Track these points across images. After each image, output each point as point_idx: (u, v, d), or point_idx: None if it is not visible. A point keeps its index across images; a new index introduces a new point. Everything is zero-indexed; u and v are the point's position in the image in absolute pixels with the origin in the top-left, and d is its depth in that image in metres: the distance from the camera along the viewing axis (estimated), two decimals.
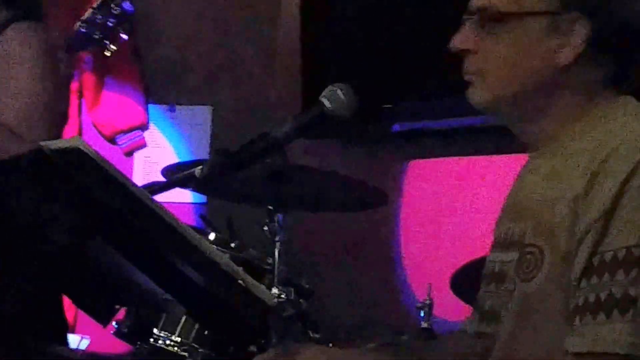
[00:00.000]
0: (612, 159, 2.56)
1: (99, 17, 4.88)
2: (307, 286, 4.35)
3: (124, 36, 5.01)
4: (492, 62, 2.77)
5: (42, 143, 2.77)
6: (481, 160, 5.56)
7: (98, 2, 4.95)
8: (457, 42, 2.78)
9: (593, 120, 2.72)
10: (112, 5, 4.93)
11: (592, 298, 2.52)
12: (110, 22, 4.89)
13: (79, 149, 2.69)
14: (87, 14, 4.90)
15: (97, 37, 4.86)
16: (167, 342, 2.89)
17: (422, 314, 4.73)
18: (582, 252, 2.54)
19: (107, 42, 4.92)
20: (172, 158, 5.95)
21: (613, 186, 2.52)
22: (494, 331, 2.78)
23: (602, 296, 2.50)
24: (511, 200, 2.90)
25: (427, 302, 4.73)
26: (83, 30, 4.88)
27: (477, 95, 2.79)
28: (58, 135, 4.13)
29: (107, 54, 5.10)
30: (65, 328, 3.91)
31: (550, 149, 2.77)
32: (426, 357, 2.97)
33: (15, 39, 4.05)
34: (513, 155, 4.71)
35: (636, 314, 2.48)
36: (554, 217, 2.63)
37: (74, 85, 5.83)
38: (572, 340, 2.54)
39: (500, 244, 2.84)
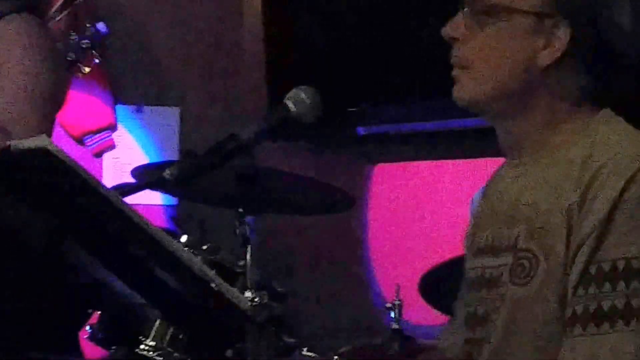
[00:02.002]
0: (605, 172, 2.58)
1: (74, 37, 4.86)
2: (280, 289, 4.34)
3: (97, 60, 4.99)
4: (478, 52, 2.78)
5: (10, 142, 2.70)
6: (447, 164, 5.58)
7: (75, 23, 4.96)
8: (448, 29, 2.78)
9: (577, 131, 2.74)
10: (87, 26, 4.93)
11: (592, 308, 2.54)
12: (83, 43, 4.88)
13: (47, 149, 2.62)
14: (73, 36, 4.90)
15: (70, 58, 4.85)
16: (142, 346, 2.79)
17: (392, 315, 4.75)
18: (579, 260, 2.56)
19: (81, 65, 4.91)
20: (141, 159, 5.95)
21: (608, 198, 2.55)
22: (483, 336, 2.74)
23: (605, 306, 2.52)
24: (492, 204, 2.89)
25: (397, 302, 4.75)
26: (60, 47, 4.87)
27: (462, 91, 2.79)
28: (50, 134, 4.04)
29: (80, 75, 5.09)
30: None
31: (536, 156, 2.77)
32: None
33: (9, 32, 4.02)
34: (478, 159, 4.72)
35: (638, 325, 2.50)
36: (548, 225, 2.64)
37: None
38: (572, 348, 2.56)
39: (487, 249, 2.81)
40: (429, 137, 5.52)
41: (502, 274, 2.71)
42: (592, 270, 2.51)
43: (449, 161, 5.50)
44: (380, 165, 5.85)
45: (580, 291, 2.53)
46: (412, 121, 5.51)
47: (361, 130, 5.59)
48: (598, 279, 2.51)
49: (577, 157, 2.63)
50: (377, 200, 5.90)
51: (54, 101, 4.08)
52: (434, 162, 5.64)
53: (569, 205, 2.57)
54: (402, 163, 5.79)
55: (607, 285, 2.50)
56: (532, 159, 2.76)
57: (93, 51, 5.03)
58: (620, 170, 2.55)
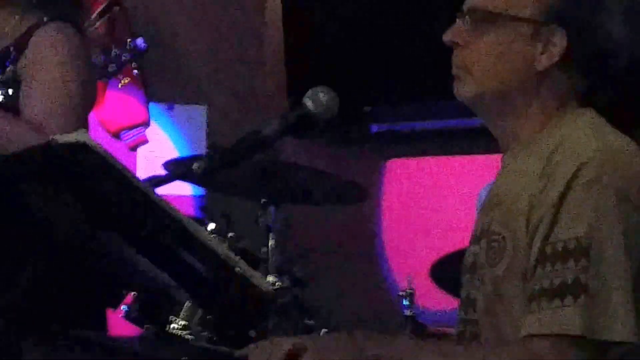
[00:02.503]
0: (562, 161, 2.64)
1: (115, 51, 4.90)
2: (300, 275, 4.38)
3: (135, 71, 5.04)
4: (477, 57, 2.80)
5: (52, 137, 2.76)
6: (456, 159, 5.60)
7: (101, 9, 4.96)
8: (450, 35, 2.82)
9: (554, 127, 2.79)
10: (127, 41, 4.95)
11: (546, 284, 2.57)
12: (123, 56, 4.91)
13: (85, 143, 2.68)
14: (116, 51, 4.92)
15: (111, 70, 4.88)
16: (173, 325, 2.86)
17: (404, 303, 4.72)
18: (536, 241, 2.61)
19: (120, 76, 4.95)
20: (172, 153, 5.97)
21: (560, 184, 2.59)
22: (474, 317, 2.81)
23: (556, 282, 2.56)
24: (490, 194, 2.91)
25: (409, 291, 4.71)
26: (102, 59, 4.89)
27: (462, 88, 2.82)
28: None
29: (119, 86, 5.12)
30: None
31: (517, 150, 2.84)
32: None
33: (43, 45, 3.99)
34: (485, 155, 4.74)
35: (587, 299, 2.53)
36: (514, 211, 2.70)
37: None
38: (529, 322, 2.58)
39: (474, 237, 2.88)
40: (438, 135, 5.57)
41: (481, 257, 2.79)
42: (548, 250, 2.56)
43: (458, 157, 5.54)
44: (392, 160, 5.88)
45: (538, 270, 2.57)
46: (422, 119, 5.56)
47: (374, 128, 5.65)
48: (552, 258, 2.56)
49: (546, 151, 2.68)
50: (390, 193, 5.92)
51: (85, 103, 4.07)
52: (444, 158, 5.67)
53: (532, 193, 2.63)
54: (413, 159, 5.83)
55: (559, 264, 2.54)
56: (514, 154, 2.83)
57: (132, 64, 5.09)
58: (573, 160, 2.60)
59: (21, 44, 3.97)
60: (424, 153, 5.77)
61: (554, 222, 2.58)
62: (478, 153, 5.07)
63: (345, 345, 2.62)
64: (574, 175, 2.58)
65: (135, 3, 6.02)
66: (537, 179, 2.65)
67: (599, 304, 2.52)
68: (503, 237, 2.71)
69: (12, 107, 3.89)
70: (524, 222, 2.65)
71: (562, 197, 2.57)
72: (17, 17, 4.04)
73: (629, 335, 2.52)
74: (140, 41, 5.06)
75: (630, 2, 2.81)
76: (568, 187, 2.57)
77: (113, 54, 4.86)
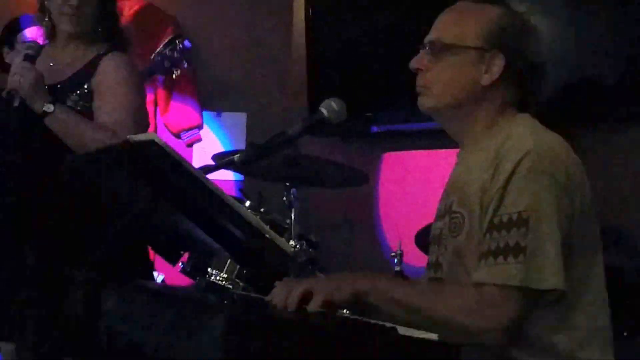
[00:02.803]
0: (507, 154, 2.64)
1: (168, 51, 4.90)
2: (314, 240, 4.38)
3: (185, 64, 5.04)
4: (436, 78, 2.82)
5: (129, 137, 2.77)
6: (434, 152, 5.55)
7: (167, 41, 4.95)
8: (414, 62, 2.86)
9: (500, 129, 2.78)
10: (177, 42, 4.94)
11: (493, 246, 2.59)
12: (176, 54, 4.91)
13: (154, 140, 2.68)
14: (160, 48, 4.91)
15: (167, 65, 4.89)
16: (217, 277, 2.88)
17: (395, 261, 4.81)
18: (487, 215, 2.63)
19: (174, 69, 4.96)
20: (219, 148, 5.95)
21: (506, 171, 2.61)
22: (439, 276, 2.84)
23: (501, 245, 2.57)
24: (448, 183, 2.94)
25: (398, 252, 4.82)
26: (158, 59, 4.89)
27: (424, 103, 2.86)
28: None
29: (174, 76, 5.13)
30: (150, 267, 3.94)
31: (469, 147, 2.86)
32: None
33: (111, 69, 3.94)
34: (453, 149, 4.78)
35: (525, 258, 2.55)
36: (471, 194, 2.71)
37: (150, 97, 5.90)
38: (478, 274, 2.60)
39: (439, 215, 2.90)
40: (422, 134, 5.49)
41: (444, 230, 2.81)
42: (496, 221, 2.58)
43: (436, 151, 5.47)
44: (387, 153, 5.85)
45: (487, 236, 2.59)
46: (410, 122, 5.50)
47: (374, 129, 5.61)
48: (499, 227, 2.58)
49: (494, 147, 2.69)
50: (385, 179, 5.88)
51: (142, 112, 4.03)
52: (426, 152, 5.63)
53: (484, 179, 2.65)
54: (403, 152, 5.80)
55: (504, 231, 2.56)
56: (468, 149, 2.85)
57: (182, 58, 5.08)
58: (515, 153, 2.61)
59: (90, 68, 3.93)
60: (411, 148, 5.74)
61: (501, 200, 2.59)
62: (452, 148, 5.08)
63: (345, 281, 2.62)
64: (517, 164, 2.59)
65: (189, 35, 5.98)
66: (487, 168, 2.66)
67: (534, 262, 2.54)
68: (462, 215, 2.73)
69: (88, 115, 3.85)
70: (477, 202, 2.66)
71: (508, 181, 2.59)
72: (82, 47, 3.99)
73: (557, 284, 2.54)
74: (187, 42, 5.06)
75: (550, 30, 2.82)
76: (512, 173, 2.58)
77: (168, 53, 4.87)
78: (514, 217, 2.57)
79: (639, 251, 4.49)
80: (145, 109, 4.11)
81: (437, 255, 2.87)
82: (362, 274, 2.78)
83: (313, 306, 2.51)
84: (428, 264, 3.02)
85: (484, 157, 2.71)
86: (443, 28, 2.83)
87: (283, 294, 2.55)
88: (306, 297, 2.52)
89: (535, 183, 2.59)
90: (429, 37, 2.83)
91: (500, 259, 2.55)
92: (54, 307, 2.67)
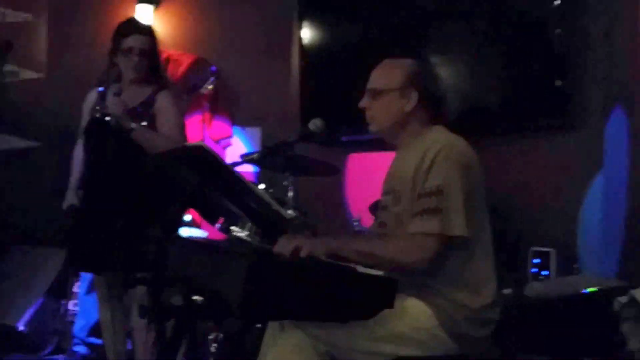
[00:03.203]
0: (429, 148, 2.71)
1: (199, 74, 4.89)
2: (304, 210, 4.39)
3: (212, 81, 5.00)
4: (375, 113, 2.90)
5: (186, 144, 2.83)
6: (382, 154, 5.36)
7: (196, 68, 4.94)
8: (361, 104, 2.93)
9: (423, 136, 2.83)
10: (206, 70, 4.93)
11: (419, 208, 2.66)
12: (205, 76, 4.90)
13: (202, 145, 2.79)
14: (196, 73, 4.91)
15: (199, 85, 4.87)
16: (242, 234, 2.93)
17: (355, 224, 4.84)
18: (417, 189, 2.70)
19: (204, 86, 4.94)
20: (243, 150, 5.85)
21: (429, 159, 2.69)
22: (385, 231, 2.88)
23: (426, 207, 2.64)
24: (389, 172, 2.99)
25: (358, 218, 4.86)
26: (193, 82, 4.89)
27: (371, 129, 2.95)
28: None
29: (204, 92, 5.07)
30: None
31: (402, 149, 2.90)
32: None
33: (164, 100, 4.00)
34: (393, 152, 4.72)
35: (441, 215, 2.62)
36: (406, 177, 2.76)
37: (199, 117, 5.86)
38: (411, 227, 2.66)
39: (385, 192, 2.94)
40: (373, 141, 5.22)
41: (388, 203, 2.86)
42: (422, 192, 2.66)
43: (384, 152, 5.21)
44: (352, 154, 5.80)
45: (415, 202, 2.67)
46: (365, 134, 5.38)
47: (343, 138, 5.57)
48: (423, 196, 2.65)
49: (421, 147, 2.74)
50: (350, 170, 5.82)
51: (183, 126, 4.07)
52: (377, 153, 5.28)
53: (415, 168, 2.71)
54: (362, 153, 5.73)
55: (427, 198, 2.64)
56: (403, 150, 2.89)
57: (210, 78, 5.05)
58: (435, 149, 2.68)
59: (151, 100, 3.99)
60: (366, 151, 5.66)
61: (426, 178, 2.66)
62: (392, 151, 5.02)
63: (323, 241, 2.67)
64: (436, 154, 2.67)
65: (224, 76, 6.00)
66: (417, 159, 2.71)
67: (446, 218, 2.62)
68: (399, 191, 2.79)
69: (153, 129, 3.93)
70: (411, 180, 2.72)
71: (430, 166, 2.66)
72: (140, 87, 4.04)
73: (463, 232, 2.62)
74: (213, 67, 5.01)
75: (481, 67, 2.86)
76: (433, 161, 2.67)
77: (199, 75, 4.84)
78: (434, 189, 2.64)
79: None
80: (184, 124, 4.15)
81: (383, 219, 2.90)
82: (335, 236, 2.85)
83: (302, 254, 2.56)
84: (375, 223, 3.06)
85: (414, 154, 2.75)
86: (375, 80, 2.89)
87: (283, 246, 2.58)
88: (297, 249, 2.57)
89: (447, 166, 2.66)
90: (368, 86, 2.90)
91: (425, 216, 2.62)
92: (137, 254, 2.71)
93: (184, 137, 4.01)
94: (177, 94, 4.13)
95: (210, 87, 5.25)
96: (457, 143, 2.75)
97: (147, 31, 4.06)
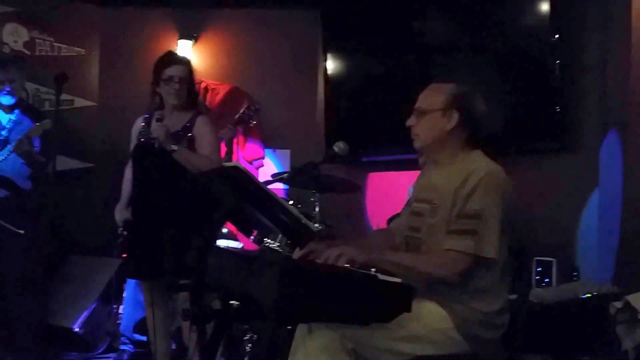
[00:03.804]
0: (472, 175, 2.64)
1: (246, 110, 4.91)
2: (329, 223, 4.42)
3: (256, 117, 5.03)
4: (420, 131, 2.82)
5: (223, 164, 2.81)
6: (400, 173, 5.51)
7: (246, 106, 4.95)
8: (408, 122, 2.83)
9: (463, 158, 2.77)
10: (251, 106, 4.95)
11: (456, 228, 2.61)
12: (251, 112, 4.91)
13: (237, 166, 2.78)
14: (243, 109, 4.91)
15: (246, 119, 4.89)
16: (274, 245, 2.91)
17: None
18: (456, 208, 2.63)
19: (250, 121, 4.96)
20: (274, 170, 5.87)
21: (471, 184, 2.62)
22: (417, 236, 2.80)
23: (463, 228, 2.60)
24: (424, 183, 2.88)
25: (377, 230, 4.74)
26: (240, 116, 4.89)
27: (415, 145, 2.84)
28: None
29: (250, 125, 5.09)
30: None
31: (442, 166, 2.80)
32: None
33: (202, 124, 4.00)
34: (415, 171, 4.72)
35: (477, 238, 2.57)
36: (446, 193, 2.69)
37: (235, 140, 5.85)
38: (448, 243, 2.61)
39: (420, 199, 2.85)
40: (391, 162, 5.47)
41: (425, 211, 2.76)
42: (462, 213, 2.59)
43: (400, 172, 5.47)
44: (372, 173, 5.79)
45: (456, 221, 2.61)
46: (383, 155, 5.50)
47: (364, 158, 5.54)
48: (463, 217, 2.60)
49: (464, 169, 2.68)
50: (370, 188, 5.81)
51: (219, 148, 4.08)
52: (395, 172, 5.59)
53: (456, 186, 2.64)
54: (380, 172, 5.74)
55: (465, 220, 2.59)
56: (443, 167, 2.79)
57: (255, 114, 5.08)
58: (478, 174, 2.62)
59: (191, 124, 3.99)
60: (384, 170, 5.67)
61: (466, 202, 2.60)
62: (408, 170, 4.98)
63: (363, 252, 2.62)
64: (478, 181, 2.61)
65: (256, 100, 6.00)
66: (459, 182, 2.64)
67: (482, 241, 2.57)
68: (437, 205, 2.71)
69: (192, 150, 3.93)
70: (449, 201, 2.65)
71: (472, 191, 2.60)
72: (181, 113, 4.03)
73: (495, 255, 2.58)
74: (257, 105, 5.03)
75: (482, 94, 2.81)
76: (475, 187, 2.60)
77: (245, 112, 4.85)
78: (472, 212, 2.58)
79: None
80: (220, 145, 4.15)
81: (415, 224, 2.82)
82: (374, 246, 2.81)
83: (342, 261, 2.56)
84: (398, 221, 3.02)
85: (456, 174, 2.68)
86: (421, 100, 2.81)
87: (329, 252, 2.58)
88: (340, 255, 2.56)
89: (488, 194, 2.59)
90: (415, 106, 2.82)
91: (462, 236, 2.57)
92: (181, 260, 2.69)
93: (219, 157, 4.03)
94: (213, 119, 4.10)
95: (254, 121, 5.30)
96: (497, 171, 2.68)
97: (185, 62, 4.08)
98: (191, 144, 3.97)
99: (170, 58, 4.08)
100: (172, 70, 3.98)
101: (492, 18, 5.10)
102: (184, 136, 3.96)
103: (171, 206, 2.92)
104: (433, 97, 2.79)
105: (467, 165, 2.70)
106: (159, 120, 3.95)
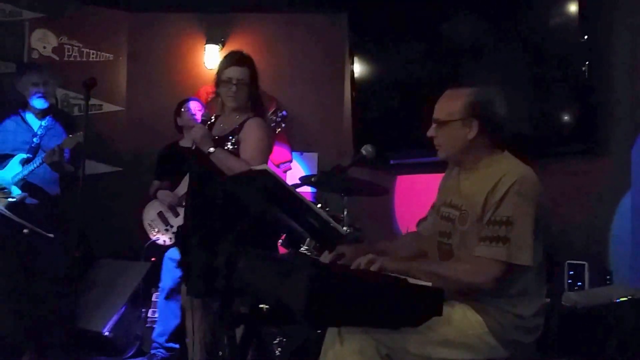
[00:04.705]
0: (502, 180, 2.61)
1: (273, 117, 4.90)
2: (357, 226, 4.35)
3: (284, 125, 5.04)
4: (441, 141, 2.80)
5: (252, 167, 2.80)
6: (428, 175, 5.41)
7: (272, 111, 4.96)
8: (428, 133, 2.81)
9: (490, 162, 2.75)
10: (277, 112, 4.94)
11: (487, 234, 2.59)
12: (277, 118, 4.91)
13: (266, 169, 2.79)
14: (268, 115, 4.91)
15: (272, 125, 4.89)
16: (302, 249, 2.90)
17: None
18: (487, 214, 2.61)
19: (277, 128, 4.97)
20: (301, 173, 5.84)
21: (502, 190, 2.59)
22: (448, 242, 2.77)
23: (495, 234, 2.57)
24: (452, 186, 2.85)
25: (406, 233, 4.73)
26: (274, 118, 4.89)
27: (439, 155, 2.83)
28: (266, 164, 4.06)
29: (277, 132, 5.12)
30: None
31: (469, 171, 2.79)
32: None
33: (250, 127, 3.92)
34: (442, 174, 4.69)
35: (508, 244, 2.55)
36: (476, 200, 2.66)
37: None
38: (479, 251, 2.60)
39: (449, 204, 2.82)
40: (417, 165, 5.40)
41: (455, 217, 2.74)
42: (493, 219, 2.57)
43: (427, 174, 5.38)
44: (400, 176, 5.79)
45: (486, 228, 2.59)
46: (413, 157, 5.41)
47: (391, 161, 5.54)
48: (494, 224, 2.57)
49: (493, 174, 2.65)
50: (398, 191, 5.82)
51: (268, 151, 3.97)
52: (423, 175, 5.55)
53: (487, 192, 2.61)
54: (408, 175, 5.73)
55: (497, 226, 2.56)
56: (470, 172, 2.78)
57: (281, 121, 5.08)
58: (509, 179, 2.59)
59: (239, 127, 3.92)
60: (412, 173, 5.66)
61: (498, 207, 2.58)
62: (436, 172, 4.99)
63: (395, 260, 2.65)
64: (510, 187, 2.57)
65: (283, 106, 5.99)
66: (489, 188, 2.62)
67: (514, 248, 2.54)
68: (467, 212, 2.69)
69: (236, 154, 3.86)
70: (479, 207, 2.62)
71: (503, 197, 2.58)
72: (239, 115, 3.97)
73: (526, 262, 2.55)
74: (285, 111, 5.03)
75: (508, 98, 2.77)
76: (506, 192, 2.57)
77: (275, 117, 4.83)
78: (504, 219, 2.56)
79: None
80: (271, 148, 4.07)
81: (445, 229, 2.79)
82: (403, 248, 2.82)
83: (373, 268, 2.56)
84: (425, 224, 3.02)
85: (486, 179, 2.66)
86: (438, 111, 2.78)
87: (361, 259, 2.59)
88: (371, 262, 2.57)
89: (519, 200, 2.56)
90: (433, 116, 2.79)
91: (494, 243, 2.55)
92: (210, 265, 2.70)
93: (261, 162, 3.86)
94: (264, 122, 4.05)
95: (279, 129, 5.31)
96: (529, 175, 2.65)
97: (245, 63, 3.98)
98: (238, 147, 3.93)
99: (230, 59, 4.00)
100: (230, 72, 3.92)
101: (520, 19, 5.05)
102: (229, 138, 3.92)
103: (202, 208, 2.94)
104: (450, 107, 2.75)
105: (497, 169, 2.67)
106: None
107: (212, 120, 4.01)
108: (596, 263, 4.54)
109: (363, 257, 2.59)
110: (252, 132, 3.90)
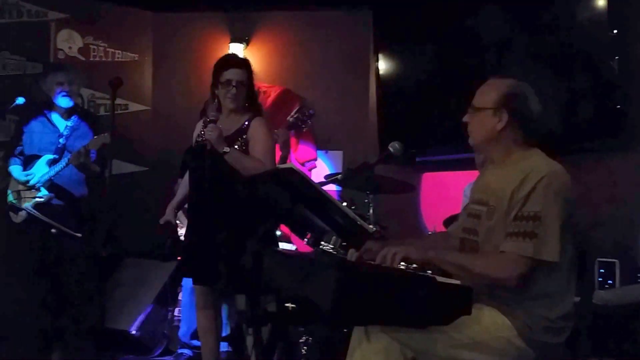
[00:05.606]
0: (530, 175, 2.59)
1: (300, 115, 4.90)
2: (383, 225, 4.36)
3: (309, 122, 5.04)
4: (474, 127, 2.79)
5: (278, 166, 2.80)
6: (453, 173, 5.47)
7: (298, 108, 4.96)
8: (464, 118, 2.80)
9: (519, 157, 2.73)
10: (304, 111, 4.94)
11: (517, 230, 2.56)
12: (304, 117, 4.90)
13: (292, 168, 2.76)
14: (294, 113, 4.90)
15: (299, 124, 4.88)
16: (327, 247, 2.90)
17: None
18: (514, 210, 2.59)
19: (303, 126, 4.96)
20: (327, 171, 5.88)
21: (529, 186, 2.57)
22: (473, 238, 2.77)
23: (522, 230, 2.55)
24: (480, 184, 2.87)
25: (433, 231, 4.71)
26: (293, 120, 4.89)
27: (470, 141, 2.81)
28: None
29: (303, 130, 5.12)
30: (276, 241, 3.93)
31: (501, 166, 2.76)
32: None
33: (256, 127, 3.97)
34: (465, 171, 4.62)
35: (535, 240, 2.52)
36: (503, 195, 2.64)
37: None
38: (505, 245, 2.56)
39: (476, 201, 2.82)
40: (444, 162, 5.45)
41: (481, 213, 2.73)
42: (520, 214, 2.55)
43: (453, 172, 5.43)
44: (426, 173, 5.79)
45: (512, 223, 2.57)
46: (437, 155, 5.48)
47: (418, 159, 5.54)
48: (522, 219, 2.55)
49: (521, 169, 2.63)
50: (424, 188, 5.81)
51: (273, 151, 4.04)
52: (447, 172, 5.57)
53: (514, 188, 2.59)
54: (434, 172, 5.72)
55: (524, 222, 2.53)
56: (499, 167, 2.77)
57: (308, 120, 5.08)
58: (536, 174, 2.57)
59: (245, 127, 3.97)
60: (438, 170, 5.65)
61: (525, 202, 2.56)
62: (463, 170, 4.92)
63: (419, 250, 2.63)
64: (537, 182, 2.56)
65: (309, 105, 5.99)
66: (516, 183, 2.60)
67: (540, 243, 2.52)
68: (494, 207, 2.67)
69: (246, 153, 3.91)
70: (506, 203, 2.61)
71: (531, 192, 2.56)
72: (238, 116, 4.02)
73: (553, 258, 2.52)
74: (312, 110, 5.03)
75: (539, 92, 2.75)
76: (534, 188, 2.56)
77: (300, 116, 4.82)
78: (532, 214, 2.54)
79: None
80: (274, 148, 4.11)
81: (472, 225, 2.79)
82: (431, 248, 2.78)
83: (397, 258, 2.56)
84: (456, 225, 3.00)
85: (513, 175, 2.64)
86: (476, 97, 2.79)
87: (384, 254, 2.59)
88: (395, 254, 2.57)
89: (547, 195, 2.55)
90: (472, 102, 2.80)
91: (520, 238, 2.53)
92: (236, 263, 2.70)
93: (272, 160, 3.98)
94: (266, 122, 4.08)
95: (305, 127, 5.31)
96: (558, 171, 2.62)
97: (243, 65, 4.05)
98: (246, 147, 3.98)
99: (228, 61, 4.07)
100: (229, 74, 3.97)
101: (547, 14, 5.01)
102: (239, 139, 3.95)
103: (225, 208, 2.94)
104: (486, 95, 2.75)
105: (525, 165, 2.64)
106: (211, 122, 3.96)
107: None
108: (627, 261, 4.49)
109: (386, 248, 2.59)
110: (259, 131, 3.97)
